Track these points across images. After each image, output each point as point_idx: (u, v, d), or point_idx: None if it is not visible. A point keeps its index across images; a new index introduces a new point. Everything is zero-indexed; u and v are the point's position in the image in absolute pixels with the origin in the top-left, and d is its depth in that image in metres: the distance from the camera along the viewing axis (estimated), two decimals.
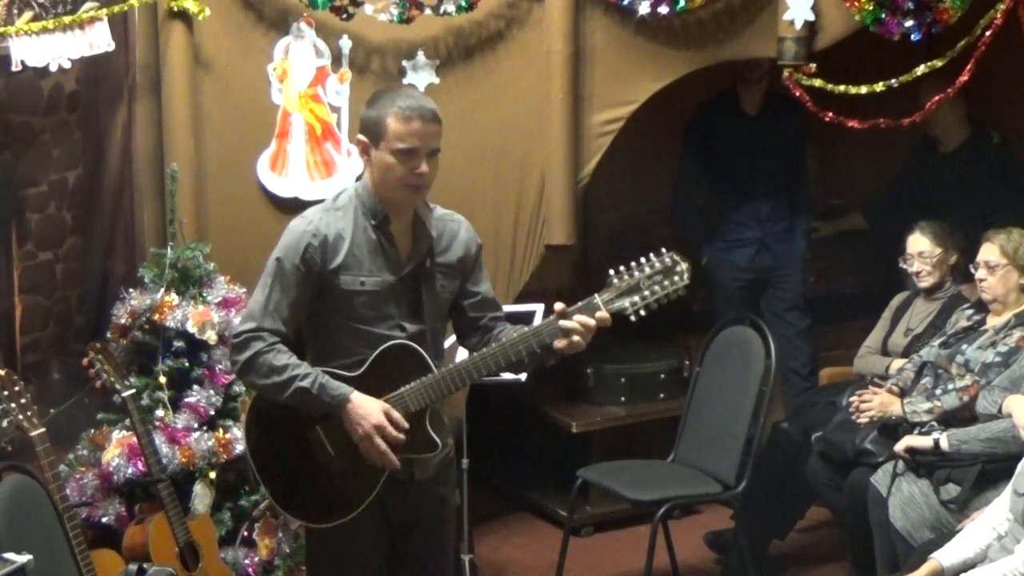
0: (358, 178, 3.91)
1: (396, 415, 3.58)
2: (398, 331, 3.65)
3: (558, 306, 3.59)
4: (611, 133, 5.47)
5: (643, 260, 3.60)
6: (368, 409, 3.56)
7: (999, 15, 5.23)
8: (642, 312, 3.58)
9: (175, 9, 4.89)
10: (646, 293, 3.57)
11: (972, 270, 5.09)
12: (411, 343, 3.63)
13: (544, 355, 3.63)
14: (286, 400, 3.59)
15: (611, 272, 3.60)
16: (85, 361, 4.58)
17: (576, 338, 3.56)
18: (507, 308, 5.00)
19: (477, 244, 3.81)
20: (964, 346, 5.00)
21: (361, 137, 3.63)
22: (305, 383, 3.56)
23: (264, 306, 3.60)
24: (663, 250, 3.62)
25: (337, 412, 3.59)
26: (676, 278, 3.60)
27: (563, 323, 3.56)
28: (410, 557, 3.79)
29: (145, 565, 3.63)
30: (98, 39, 4.72)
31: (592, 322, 3.56)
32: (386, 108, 3.56)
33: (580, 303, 3.58)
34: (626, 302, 3.57)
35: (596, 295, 3.58)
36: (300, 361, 3.60)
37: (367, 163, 3.65)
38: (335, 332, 3.64)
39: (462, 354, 4.23)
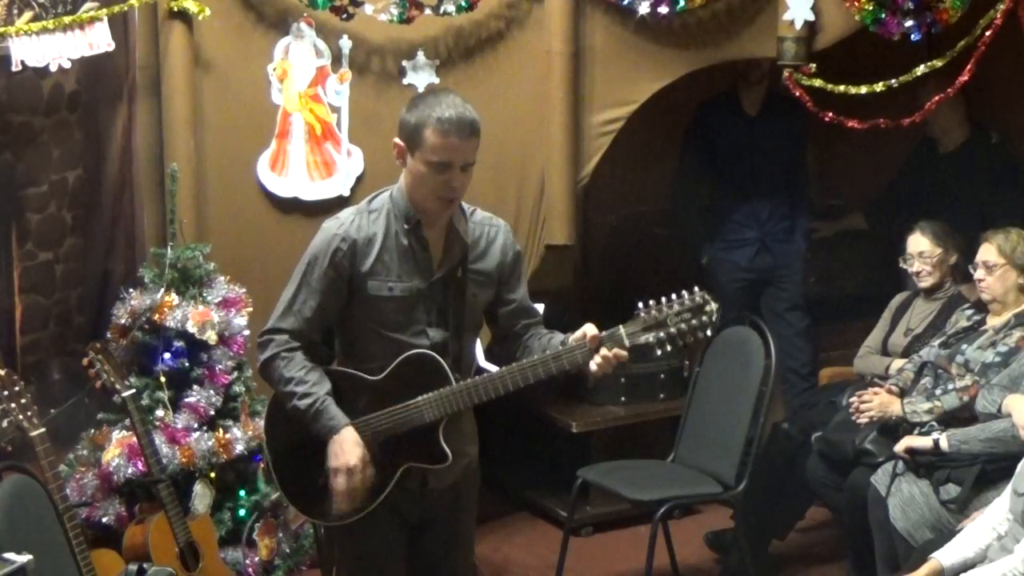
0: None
1: (369, 471, 3.58)
2: (423, 338, 3.63)
3: (591, 330, 3.56)
4: (611, 133, 5.47)
5: (673, 296, 3.58)
6: (348, 450, 3.56)
7: (999, 15, 5.23)
8: (668, 347, 3.57)
9: (175, 9, 4.89)
10: (672, 330, 3.55)
11: (971, 270, 5.10)
12: (432, 353, 3.61)
13: (567, 375, 3.64)
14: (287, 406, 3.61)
15: (639, 305, 3.58)
16: (85, 361, 4.58)
17: (608, 370, 3.57)
18: None
19: (515, 251, 3.76)
20: (964, 346, 5.00)
21: (398, 141, 3.58)
22: (302, 404, 3.56)
23: (288, 306, 3.60)
24: (695, 288, 3.59)
25: (324, 439, 3.58)
26: (704, 317, 3.57)
27: (596, 359, 3.54)
28: (426, 556, 3.79)
29: (145, 565, 3.63)
30: (98, 39, 4.72)
31: (623, 354, 3.55)
32: (426, 117, 3.52)
33: (604, 332, 3.56)
34: (650, 336, 3.56)
35: (621, 327, 3.57)
36: (308, 377, 3.57)
37: (402, 168, 3.62)
38: (362, 336, 3.64)
39: None
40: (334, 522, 3.67)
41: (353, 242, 3.57)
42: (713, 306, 3.57)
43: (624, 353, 3.55)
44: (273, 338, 3.61)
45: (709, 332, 3.61)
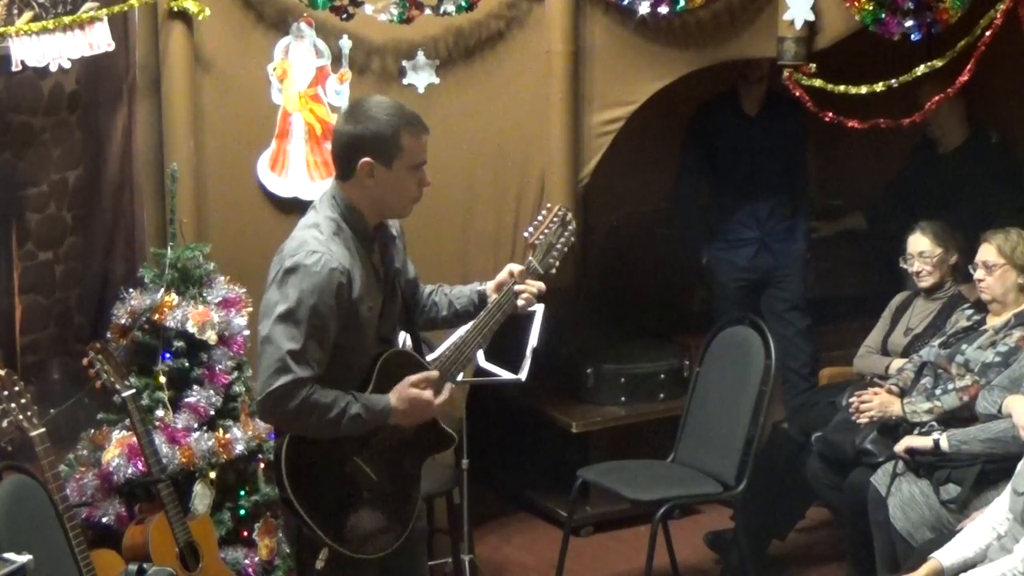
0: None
1: (425, 375, 3.63)
2: (385, 343, 3.67)
3: (515, 268, 3.81)
4: (611, 133, 5.47)
5: (541, 219, 3.88)
6: (413, 394, 3.57)
7: (999, 15, 5.23)
8: (558, 263, 3.89)
9: (175, 9, 4.89)
10: (558, 246, 3.89)
11: (971, 270, 5.10)
12: (400, 349, 3.68)
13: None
14: (340, 432, 3.51)
15: (525, 236, 3.88)
16: (85, 361, 4.58)
17: (535, 301, 3.83)
18: None
19: (400, 230, 3.82)
20: (964, 346, 5.00)
21: (367, 159, 3.52)
22: (355, 410, 3.49)
23: (300, 355, 3.43)
24: (548, 204, 3.91)
25: (385, 421, 3.56)
26: (571, 227, 3.92)
27: (522, 296, 3.78)
28: (399, 566, 3.77)
29: (145, 565, 3.64)
30: (98, 39, 4.72)
31: (543, 285, 3.83)
32: (396, 124, 3.50)
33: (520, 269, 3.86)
34: (550, 259, 3.88)
35: (532, 259, 3.85)
36: (335, 391, 3.49)
37: (368, 184, 3.56)
38: (347, 359, 3.57)
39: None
40: (382, 551, 3.63)
41: (348, 272, 3.50)
42: (570, 215, 3.94)
43: (543, 285, 3.81)
44: (301, 382, 3.44)
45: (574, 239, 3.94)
